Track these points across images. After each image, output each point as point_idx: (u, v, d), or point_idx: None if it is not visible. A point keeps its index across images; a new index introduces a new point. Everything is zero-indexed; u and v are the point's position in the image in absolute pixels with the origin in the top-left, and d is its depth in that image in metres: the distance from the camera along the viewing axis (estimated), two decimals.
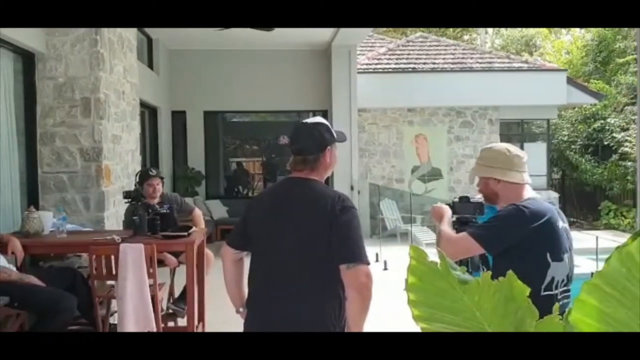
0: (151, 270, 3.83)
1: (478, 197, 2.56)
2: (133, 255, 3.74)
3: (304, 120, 2.47)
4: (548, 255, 2.15)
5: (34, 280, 3.73)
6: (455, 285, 1.26)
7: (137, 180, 4.93)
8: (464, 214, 2.57)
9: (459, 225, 2.58)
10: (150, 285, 3.82)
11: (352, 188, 11.12)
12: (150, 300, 3.79)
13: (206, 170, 11.69)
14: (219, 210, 11.00)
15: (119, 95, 5.99)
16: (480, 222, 2.46)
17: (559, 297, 2.16)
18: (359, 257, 2.17)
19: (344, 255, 2.17)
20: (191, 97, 11.24)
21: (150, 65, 9.99)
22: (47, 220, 4.44)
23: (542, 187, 13.15)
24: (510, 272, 1.50)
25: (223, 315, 5.25)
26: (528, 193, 2.32)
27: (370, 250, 2.42)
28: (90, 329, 4.22)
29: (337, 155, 2.48)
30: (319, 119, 2.47)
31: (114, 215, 5.69)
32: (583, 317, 1.06)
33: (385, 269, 8.08)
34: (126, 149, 6.24)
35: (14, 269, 3.80)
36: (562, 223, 2.27)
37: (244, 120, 16.81)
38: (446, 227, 2.39)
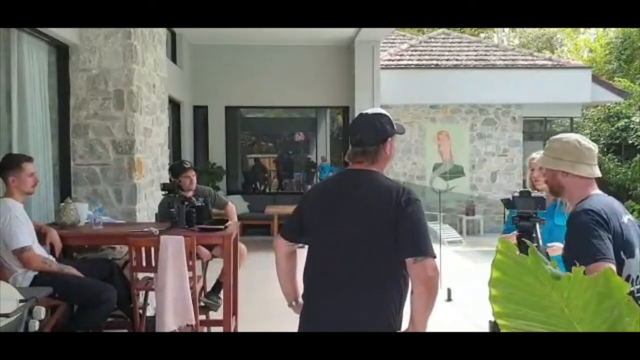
0: (190, 263, 3.81)
1: (537, 192, 2.50)
2: (173, 247, 3.72)
3: (364, 111, 2.41)
4: (622, 252, 2.08)
5: (73, 271, 3.72)
6: (543, 281, 1.21)
7: (172, 173, 4.91)
8: (525, 209, 2.51)
9: (519, 221, 2.53)
10: (189, 278, 3.80)
11: None
12: (189, 293, 3.77)
13: (227, 166, 11.69)
14: (240, 205, 11.00)
15: (149, 88, 5.98)
16: (542, 219, 2.40)
17: (636, 294, 2.10)
18: (426, 251, 2.12)
19: (412, 248, 2.12)
20: (213, 92, 11.24)
21: (174, 59, 10.01)
22: (82, 211, 4.43)
23: None
24: (607, 267, 1.42)
25: (255, 309, 5.27)
26: (594, 188, 2.25)
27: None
28: (125, 321, 4.23)
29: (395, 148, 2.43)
30: (379, 109, 2.43)
31: (145, 208, 5.69)
32: None
33: None
34: (156, 142, 6.23)
35: (54, 259, 3.79)
36: (627, 216, 2.21)
37: (259, 117, 16.79)
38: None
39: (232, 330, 4.13)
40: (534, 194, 2.53)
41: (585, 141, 2.29)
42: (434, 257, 2.14)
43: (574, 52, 17.95)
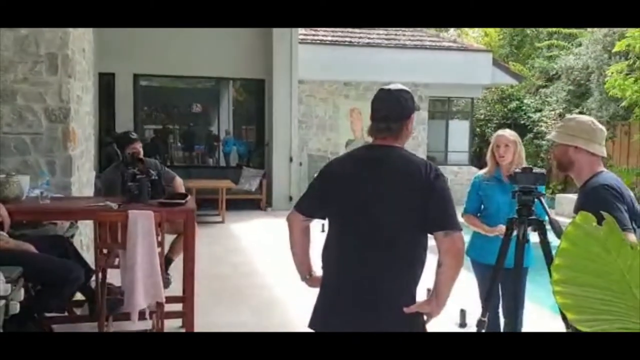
0: (159, 239, 3.66)
1: (538, 169, 2.68)
2: (143, 223, 3.54)
3: (385, 87, 2.39)
4: (633, 223, 2.30)
5: (30, 248, 3.43)
6: (611, 249, 1.34)
7: (117, 144, 4.64)
8: (527, 184, 2.68)
9: (521, 195, 2.70)
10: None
11: (291, 159, 11.10)
12: (159, 270, 3.62)
13: None
14: None
15: (81, 53, 5.56)
16: (544, 194, 2.58)
17: None
18: (455, 224, 2.19)
19: (442, 222, 2.18)
20: (120, 59, 10.61)
21: None
22: (25, 184, 4.08)
23: (464, 163, 13.84)
24: (631, 236, 1.58)
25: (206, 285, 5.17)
26: (601, 166, 2.46)
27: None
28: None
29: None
30: (400, 85, 2.41)
31: (78, 181, 5.32)
32: None
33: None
34: (85, 110, 5.82)
35: (8, 236, 3.47)
36: (631, 192, 2.44)
37: (156, 86, 16.09)
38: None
39: (194, 308, 4.02)
40: (535, 170, 2.70)
41: (597, 123, 2.49)
42: (461, 230, 2.23)
43: (471, 37, 18.94)
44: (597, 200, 2.26)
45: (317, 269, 2.44)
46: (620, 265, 1.31)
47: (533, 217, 2.73)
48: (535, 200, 2.69)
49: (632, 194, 2.41)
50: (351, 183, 2.30)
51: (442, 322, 4.70)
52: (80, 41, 5.58)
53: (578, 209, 2.35)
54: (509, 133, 3.56)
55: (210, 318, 4.46)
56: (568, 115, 2.55)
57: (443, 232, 2.17)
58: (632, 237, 2.16)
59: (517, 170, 2.75)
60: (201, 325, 4.03)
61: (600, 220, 1.32)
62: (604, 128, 2.51)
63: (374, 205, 2.25)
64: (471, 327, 4.18)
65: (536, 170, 2.71)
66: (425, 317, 2.28)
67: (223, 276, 6.14)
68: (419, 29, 13.35)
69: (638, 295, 1.32)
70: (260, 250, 7.60)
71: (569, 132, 2.47)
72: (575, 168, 2.48)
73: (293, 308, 5.00)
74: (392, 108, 2.30)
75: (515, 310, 2.92)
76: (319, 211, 2.41)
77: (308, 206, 2.41)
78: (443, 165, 12.77)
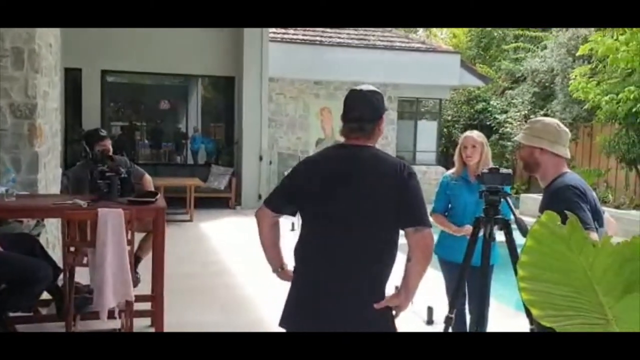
0: (129, 237, 3.63)
1: (505, 169, 2.76)
2: (113, 221, 3.51)
3: (357, 88, 2.42)
4: (595, 222, 2.39)
5: None
6: (574, 248, 1.40)
7: (86, 141, 4.58)
8: (493, 184, 2.76)
9: (488, 195, 2.77)
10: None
11: (260, 158, 11.08)
12: (129, 268, 3.60)
13: None
14: None
15: (47, 47, 5.46)
16: (509, 193, 2.66)
17: None
18: (426, 221, 2.25)
19: (413, 219, 2.23)
20: (87, 54, 10.44)
21: None
22: None
23: (431, 163, 14.02)
24: (635, 236, 1.67)
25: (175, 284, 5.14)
26: (565, 167, 2.55)
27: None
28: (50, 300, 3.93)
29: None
30: (371, 86, 2.44)
31: (44, 179, 5.23)
32: None
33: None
34: (52, 106, 5.73)
35: None
36: (591, 192, 2.53)
37: (124, 82, 15.85)
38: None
39: (164, 307, 4.00)
40: (502, 170, 2.78)
41: (562, 125, 2.58)
42: (431, 226, 2.29)
43: (439, 38, 19.17)
44: (562, 200, 2.34)
45: (289, 263, 2.47)
46: (583, 263, 1.36)
47: (499, 216, 2.81)
48: (502, 199, 2.77)
49: (594, 194, 2.50)
50: (323, 182, 2.32)
51: (410, 319, 4.82)
52: (47, 36, 5.49)
53: (543, 208, 2.42)
54: (476, 134, 3.64)
55: (180, 317, 4.44)
56: (534, 118, 2.62)
57: (414, 229, 2.22)
58: (594, 235, 2.24)
59: (485, 170, 2.83)
60: (171, 324, 4.01)
61: (564, 219, 1.37)
62: (568, 130, 2.60)
63: (346, 204, 2.27)
64: (438, 324, 4.31)
65: (503, 170, 2.79)
66: (394, 312, 2.32)
67: (192, 275, 6.11)
68: (388, 29, 13.47)
69: (599, 292, 1.38)
70: (229, 249, 7.58)
71: (535, 134, 2.55)
72: (541, 169, 2.56)
73: (263, 306, 5.01)
74: (365, 109, 2.34)
75: (481, 307, 2.99)
76: (288, 207, 2.43)
77: (277, 202, 2.43)
78: (411, 164, 12.89)
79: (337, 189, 2.29)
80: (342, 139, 2.42)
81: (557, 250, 1.37)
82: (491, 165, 3.29)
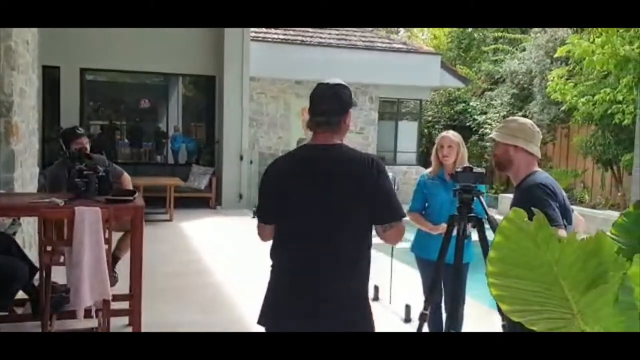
0: (107, 236, 3.62)
1: (478, 168, 2.81)
2: (90, 219, 3.50)
3: (324, 82, 2.39)
4: (564, 220, 2.45)
5: None
6: (540, 244, 1.42)
7: (63, 139, 4.55)
8: (467, 182, 2.80)
9: (461, 193, 2.82)
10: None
11: (241, 157, 11.06)
12: (106, 267, 3.58)
13: None
14: None
15: (24, 44, 5.41)
16: (484, 192, 2.71)
17: None
18: (400, 214, 2.27)
19: (388, 216, 2.25)
20: (66, 52, 10.33)
21: None
22: None
23: (412, 163, 14.12)
24: (600, 230, 1.71)
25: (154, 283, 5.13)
26: (536, 166, 2.61)
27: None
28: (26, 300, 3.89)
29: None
30: (339, 80, 2.41)
31: (21, 177, 5.18)
32: None
33: None
34: (29, 104, 5.67)
35: None
36: (563, 191, 2.60)
37: (103, 80, 15.70)
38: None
39: (141, 306, 3.99)
40: (475, 169, 2.83)
41: (535, 126, 2.64)
42: (404, 215, 2.31)
43: (420, 39, 19.30)
44: (531, 197, 2.39)
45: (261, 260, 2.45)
46: (549, 259, 1.38)
47: (472, 214, 2.86)
48: (475, 198, 2.82)
49: (564, 192, 2.56)
50: (295, 184, 2.30)
51: (387, 317, 4.86)
52: (24, 33, 5.44)
53: (514, 206, 2.48)
54: (452, 134, 3.69)
55: (158, 316, 4.43)
56: (510, 117, 2.68)
57: (389, 225, 2.25)
58: (562, 232, 2.30)
59: (458, 169, 2.88)
60: (149, 323, 4.00)
61: (532, 216, 1.40)
62: (540, 131, 2.67)
63: (319, 205, 2.26)
64: (416, 322, 4.31)
65: (476, 169, 2.84)
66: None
67: (171, 274, 6.10)
68: (369, 29, 13.54)
69: (565, 287, 1.41)
70: (209, 248, 7.56)
71: (510, 133, 2.61)
72: (514, 167, 2.61)
73: (242, 305, 5.02)
74: (331, 102, 2.31)
75: (455, 304, 3.04)
76: (279, 217, 2.35)
77: (270, 216, 2.38)
78: (392, 165, 13.01)
79: (306, 192, 2.27)
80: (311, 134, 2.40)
81: (524, 246, 1.40)
82: (467, 164, 3.34)
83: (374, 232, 2.31)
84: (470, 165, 2.87)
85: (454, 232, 2.92)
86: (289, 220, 2.33)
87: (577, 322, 1.44)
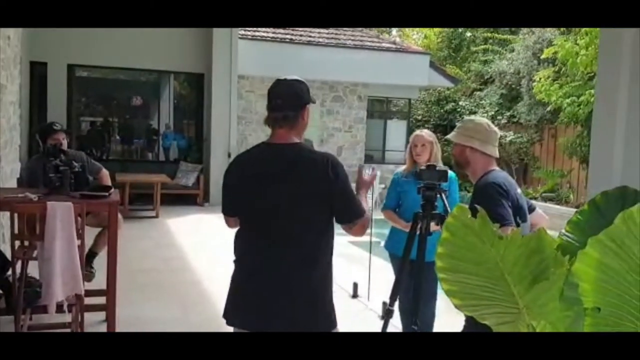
0: (80, 231, 3.64)
1: (442, 166, 2.85)
2: (62, 214, 3.52)
3: (281, 78, 2.43)
4: (517, 217, 2.49)
5: None
6: (485, 240, 1.45)
7: (39, 135, 4.56)
8: (430, 180, 2.84)
9: (425, 191, 2.86)
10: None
11: (229, 155, 11.08)
12: (79, 262, 3.61)
13: (69, 129, 10.86)
14: None
15: (5, 40, 5.41)
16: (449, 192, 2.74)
17: None
18: (360, 212, 2.29)
19: (350, 215, 2.28)
20: (53, 48, 10.32)
21: None
22: None
23: (401, 162, 14.16)
24: (541, 227, 1.74)
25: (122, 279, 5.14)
26: (493, 165, 2.65)
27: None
28: None
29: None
30: (295, 76, 2.44)
31: (1, 172, 5.19)
32: (585, 267, 1.26)
33: None
34: (9, 100, 5.68)
35: None
36: (519, 189, 2.64)
37: (95, 77, 15.66)
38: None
39: (117, 301, 4.02)
40: (439, 167, 2.87)
41: (492, 125, 2.68)
42: (365, 212, 2.32)
43: (411, 38, 19.35)
44: (484, 196, 2.44)
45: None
46: (494, 255, 1.41)
47: (436, 211, 2.90)
48: (437, 195, 2.86)
49: (519, 190, 2.61)
50: (252, 183, 2.31)
51: (366, 315, 4.89)
52: (5, 28, 5.44)
53: (470, 204, 2.52)
54: (426, 133, 3.73)
55: (138, 312, 4.45)
56: (466, 117, 2.72)
57: (352, 223, 2.28)
58: (509, 230, 2.34)
59: (422, 167, 2.92)
60: (129, 319, 4.02)
61: (475, 213, 1.40)
62: (497, 130, 2.70)
63: (278, 204, 2.27)
64: (394, 318, 4.34)
65: (439, 167, 2.88)
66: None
67: (153, 270, 6.11)
68: (359, 29, 13.57)
69: (510, 282, 1.44)
70: (193, 245, 7.58)
71: (466, 133, 2.65)
72: (471, 167, 2.66)
73: (222, 303, 5.02)
74: (288, 97, 2.31)
75: (416, 301, 3.07)
76: (239, 209, 2.40)
77: (229, 208, 2.43)
78: (380, 163, 13.04)
79: (266, 190, 2.28)
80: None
81: (469, 242, 1.43)
82: (441, 163, 3.38)
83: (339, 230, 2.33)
84: (434, 163, 2.91)
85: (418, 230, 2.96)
86: (246, 217, 2.36)
87: (523, 317, 1.47)
